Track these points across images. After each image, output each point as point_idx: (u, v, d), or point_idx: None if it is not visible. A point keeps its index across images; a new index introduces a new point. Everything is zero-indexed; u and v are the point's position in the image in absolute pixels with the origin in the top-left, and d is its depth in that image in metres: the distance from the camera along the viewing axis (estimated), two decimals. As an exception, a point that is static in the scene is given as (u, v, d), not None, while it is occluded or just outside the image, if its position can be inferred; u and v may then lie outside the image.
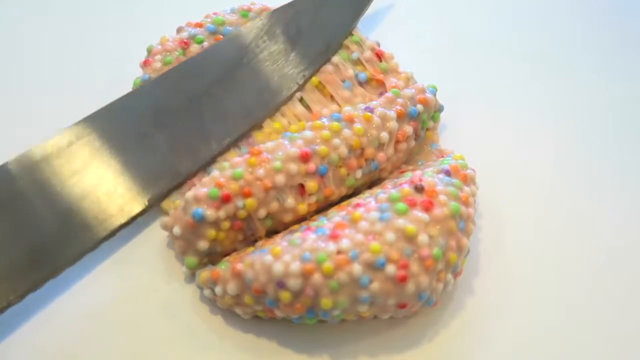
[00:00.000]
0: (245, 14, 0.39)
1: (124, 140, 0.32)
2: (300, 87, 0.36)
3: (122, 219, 0.31)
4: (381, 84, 0.37)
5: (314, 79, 0.37)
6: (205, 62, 0.35)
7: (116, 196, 0.31)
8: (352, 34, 0.39)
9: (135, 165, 0.32)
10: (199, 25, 0.38)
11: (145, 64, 0.37)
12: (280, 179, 0.31)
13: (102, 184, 0.31)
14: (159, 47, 0.37)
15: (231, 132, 0.34)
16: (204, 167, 0.34)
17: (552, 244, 0.34)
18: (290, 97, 0.36)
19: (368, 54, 0.38)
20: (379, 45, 0.39)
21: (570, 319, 0.32)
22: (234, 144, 0.34)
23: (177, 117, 0.33)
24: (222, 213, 0.30)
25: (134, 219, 0.32)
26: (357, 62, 0.38)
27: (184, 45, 0.37)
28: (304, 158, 0.31)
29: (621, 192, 0.36)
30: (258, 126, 0.35)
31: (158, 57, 0.37)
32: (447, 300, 0.32)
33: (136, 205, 0.32)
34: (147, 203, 0.32)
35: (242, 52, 0.35)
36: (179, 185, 0.33)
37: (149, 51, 0.37)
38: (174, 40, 0.37)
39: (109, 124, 0.33)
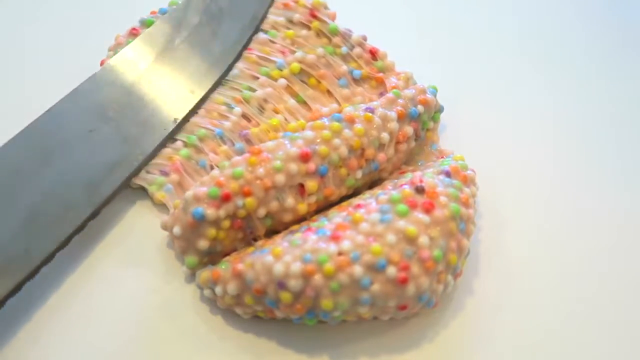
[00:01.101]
0: None
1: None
2: (239, 56, 0.37)
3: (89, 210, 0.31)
4: (381, 83, 0.37)
5: (311, 79, 0.37)
6: (137, 53, 0.36)
7: (77, 189, 0.31)
8: (328, 24, 0.39)
9: (88, 160, 0.32)
10: (154, 12, 0.39)
11: (102, 64, 0.37)
12: (280, 178, 0.31)
13: (59, 183, 0.31)
14: (113, 43, 0.38)
15: (178, 112, 0.34)
16: (161, 146, 0.34)
17: (552, 244, 0.34)
18: (230, 68, 0.37)
19: (358, 50, 0.38)
20: (365, 39, 0.38)
21: (570, 320, 0.32)
22: (186, 121, 0.35)
23: (120, 110, 0.34)
24: (222, 212, 0.30)
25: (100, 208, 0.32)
26: (348, 58, 0.38)
27: (134, 32, 0.37)
28: (304, 158, 0.31)
29: (621, 192, 0.36)
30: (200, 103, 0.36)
31: (111, 53, 0.37)
32: (447, 301, 0.32)
33: (101, 194, 0.32)
34: (110, 192, 0.32)
35: (171, 36, 0.36)
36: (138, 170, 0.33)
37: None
38: (125, 34, 0.38)
39: (55, 125, 0.33)
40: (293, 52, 0.38)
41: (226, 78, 0.37)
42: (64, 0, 0.43)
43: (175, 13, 0.37)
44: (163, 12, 0.39)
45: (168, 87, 0.35)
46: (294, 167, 0.31)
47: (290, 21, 0.39)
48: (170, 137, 0.35)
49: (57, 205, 0.31)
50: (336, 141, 0.32)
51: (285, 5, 0.39)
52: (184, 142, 0.35)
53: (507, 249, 0.34)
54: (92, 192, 0.31)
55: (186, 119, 0.35)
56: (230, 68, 0.37)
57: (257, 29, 0.38)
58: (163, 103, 0.34)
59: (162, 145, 0.34)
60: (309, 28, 0.39)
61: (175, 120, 0.34)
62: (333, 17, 0.39)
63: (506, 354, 0.31)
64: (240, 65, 0.37)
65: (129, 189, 0.34)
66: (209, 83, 0.35)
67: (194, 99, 0.35)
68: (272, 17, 0.39)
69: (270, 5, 0.39)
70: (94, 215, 0.31)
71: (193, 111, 0.35)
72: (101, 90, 0.34)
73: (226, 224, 0.31)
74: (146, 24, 0.38)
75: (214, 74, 0.36)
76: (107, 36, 0.38)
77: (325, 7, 0.39)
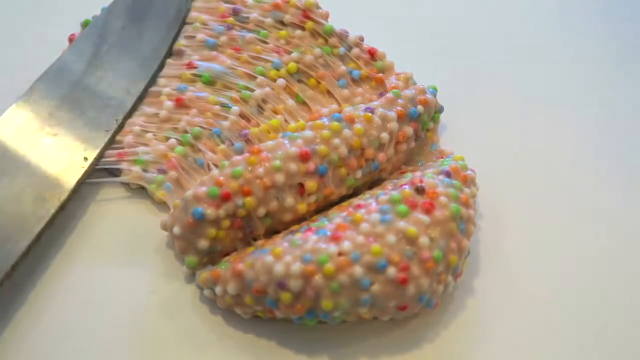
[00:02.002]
0: None
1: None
2: (169, 52, 0.37)
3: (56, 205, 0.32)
4: (381, 84, 0.37)
5: (311, 80, 0.37)
6: (69, 61, 0.36)
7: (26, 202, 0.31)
8: (322, 24, 0.39)
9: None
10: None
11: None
12: (279, 178, 0.31)
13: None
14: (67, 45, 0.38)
15: (118, 114, 0.35)
16: (109, 144, 0.34)
17: (552, 244, 0.34)
18: (162, 65, 0.37)
19: (356, 50, 0.38)
20: (362, 40, 0.38)
21: (570, 320, 0.32)
22: (125, 123, 0.35)
23: (58, 117, 0.34)
24: (222, 211, 0.30)
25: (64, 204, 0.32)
26: (346, 59, 0.38)
27: (72, 38, 0.38)
28: (304, 157, 0.31)
29: (621, 192, 0.36)
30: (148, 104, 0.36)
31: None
32: (447, 301, 0.32)
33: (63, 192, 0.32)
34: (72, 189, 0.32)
35: (97, 44, 0.37)
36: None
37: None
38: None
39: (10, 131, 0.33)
40: (289, 52, 0.38)
41: (216, 77, 0.37)
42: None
43: (99, 21, 0.38)
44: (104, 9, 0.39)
45: (103, 90, 0.35)
46: (293, 166, 0.31)
47: (281, 21, 0.39)
48: (114, 138, 0.35)
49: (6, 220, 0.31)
50: (336, 141, 0.32)
51: (275, 6, 0.39)
52: (177, 140, 0.35)
53: (507, 249, 0.34)
54: (43, 204, 0.31)
55: (126, 118, 0.35)
56: (162, 64, 0.37)
57: (182, 23, 0.38)
58: (102, 106, 0.35)
59: (110, 143, 0.34)
60: (302, 28, 0.39)
61: (116, 120, 0.35)
62: (326, 17, 0.39)
63: (506, 354, 0.31)
64: (228, 62, 0.37)
65: (129, 189, 0.35)
66: (142, 82, 0.36)
67: (131, 98, 0.35)
68: (257, 17, 0.39)
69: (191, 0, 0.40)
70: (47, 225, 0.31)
71: (134, 108, 0.36)
72: (35, 105, 0.34)
73: (226, 223, 0.31)
74: (84, 25, 0.39)
75: (146, 73, 0.36)
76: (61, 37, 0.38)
77: (317, 7, 0.39)
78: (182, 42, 0.38)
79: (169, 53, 0.38)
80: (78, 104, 0.35)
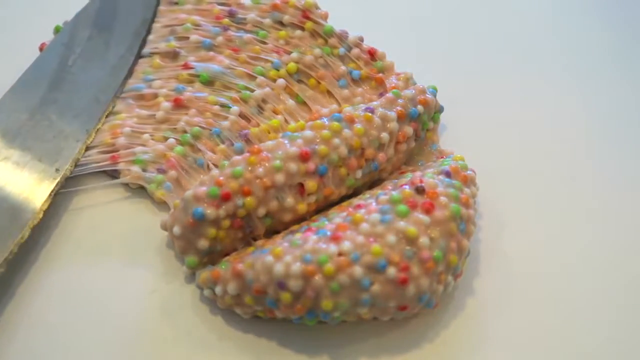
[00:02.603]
0: None
1: None
2: (137, 59, 0.38)
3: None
4: (381, 84, 0.37)
5: (311, 80, 0.37)
6: (36, 73, 0.36)
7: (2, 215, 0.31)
8: (322, 25, 0.39)
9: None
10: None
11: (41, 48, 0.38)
12: (279, 178, 0.31)
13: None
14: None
15: (88, 123, 0.35)
16: (78, 156, 0.34)
17: (552, 244, 0.34)
18: (130, 72, 0.37)
19: (356, 51, 0.38)
20: (362, 40, 0.38)
21: (570, 319, 0.32)
22: (95, 131, 0.35)
23: (28, 131, 0.34)
24: (222, 211, 0.30)
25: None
26: (346, 59, 0.38)
27: (43, 47, 0.38)
28: (304, 157, 0.31)
29: (621, 192, 0.36)
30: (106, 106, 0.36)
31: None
32: (447, 301, 0.32)
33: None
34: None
35: (65, 56, 0.37)
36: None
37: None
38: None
39: None
40: (288, 52, 0.38)
41: (214, 77, 0.37)
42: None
43: (66, 32, 0.38)
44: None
45: (72, 101, 0.35)
46: (293, 166, 0.31)
47: (280, 22, 0.39)
48: (87, 147, 0.35)
49: None
50: (336, 141, 0.32)
51: (274, 6, 0.39)
52: (177, 140, 0.35)
53: (507, 249, 0.34)
54: (17, 217, 0.31)
55: (97, 127, 0.35)
56: (130, 72, 0.37)
57: (148, 32, 0.39)
58: (71, 116, 0.35)
59: (80, 155, 0.34)
60: (302, 29, 0.39)
61: (87, 130, 0.35)
62: (325, 17, 0.39)
63: (506, 354, 0.31)
64: (226, 62, 0.37)
65: (129, 189, 0.35)
66: (112, 89, 0.36)
67: (101, 106, 0.35)
68: (255, 18, 0.39)
69: (157, 5, 0.40)
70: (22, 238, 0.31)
71: (105, 117, 0.36)
72: (4, 119, 0.34)
73: (226, 223, 0.31)
74: (55, 31, 0.39)
75: (116, 81, 0.36)
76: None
77: (317, 7, 0.39)
78: (173, 43, 0.38)
79: (137, 60, 0.38)
80: (47, 115, 0.35)
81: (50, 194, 0.32)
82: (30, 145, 0.33)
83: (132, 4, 0.39)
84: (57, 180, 0.33)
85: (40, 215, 0.32)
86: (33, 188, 0.32)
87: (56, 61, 0.37)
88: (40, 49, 0.38)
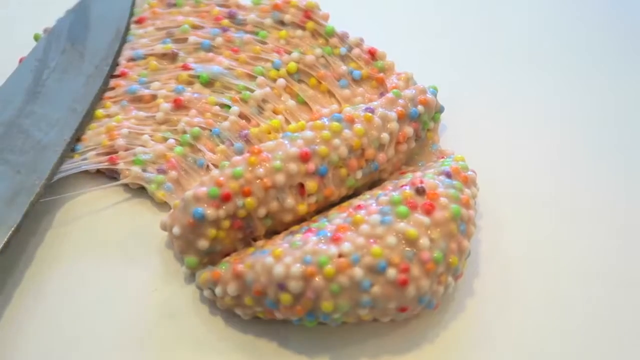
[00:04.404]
0: None
1: None
2: (112, 68, 0.38)
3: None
4: (381, 83, 0.37)
5: (311, 80, 0.37)
6: (11, 89, 0.36)
7: None
8: (324, 25, 0.39)
9: None
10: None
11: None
12: (279, 178, 0.31)
13: None
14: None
15: (65, 133, 0.35)
16: (58, 166, 0.34)
17: (552, 244, 0.34)
18: (107, 82, 0.37)
19: (357, 51, 0.38)
20: (363, 41, 0.38)
21: (570, 319, 0.32)
22: (74, 141, 0.35)
23: (5, 144, 0.34)
24: (222, 212, 0.30)
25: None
26: (347, 59, 0.38)
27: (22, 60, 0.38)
28: (304, 158, 0.31)
29: (621, 192, 0.36)
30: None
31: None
32: (447, 302, 0.32)
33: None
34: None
35: (39, 70, 0.37)
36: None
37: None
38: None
39: None
40: (289, 52, 0.38)
41: (214, 78, 0.37)
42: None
43: (39, 48, 0.38)
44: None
45: (48, 112, 0.35)
46: (293, 167, 0.31)
47: (280, 22, 0.39)
48: (67, 156, 0.34)
49: None
50: (336, 141, 0.32)
51: (275, 6, 0.39)
52: (176, 140, 0.35)
53: (507, 249, 0.34)
54: None
55: (78, 135, 0.35)
56: (107, 80, 0.37)
57: (123, 41, 0.39)
58: (48, 127, 0.35)
59: (59, 164, 0.34)
60: (303, 29, 0.39)
61: (65, 140, 0.34)
62: (326, 18, 0.39)
63: (506, 354, 0.31)
64: (226, 63, 0.37)
65: (129, 189, 0.35)
66: (88, 99, 0.36)
67: (78, 116, 0.35)
68: (255, 18, 0.39)
69: (130, 15, 0.40)
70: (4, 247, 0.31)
71: (80, 128, 0.35)
72: None
73: (226, 224, 0.31)
74: (35, 38, 0.39)
75: (91, 91, 0.36)
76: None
77: (318, 8, 0.39)
78: (170, 45, 0.38)
79: (113, 69, 0.38)
80: (24, 128, 0.34)
81: (30, 204, 0.32)
82: (8, 158, 0.33)
83: (105, 16, 0.40)
84: (36, 192, 0.32)
85: (19, 225, 0.31)
86: (13, 199, 0.32)
87: (31, 76, 0.37)
88: (20, 62, 0.38)
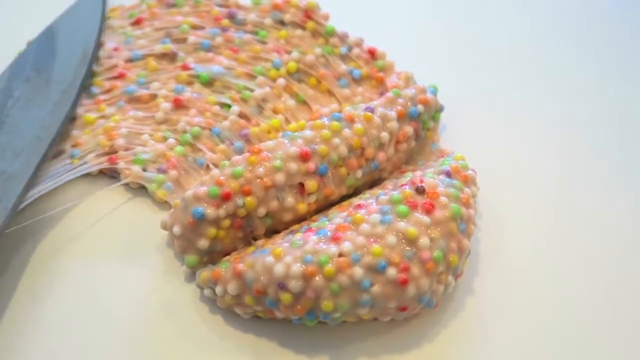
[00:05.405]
0: None
1: None
2: (80, 92, 0.37)
3: None
4: (381, 83, 0.37)
5: (311, 80, 0.37)
6: None
7: None
8: (324, 25, 0.39)
9: None
10: None
11: None
12: (279, 177, 0.31)
13: None
14: None
15: (31, 161, 0.34)
16: (24, 193, 0.33)
17: (552, 244, 0.34)
18: (75, 104, 0.36)
19: (357, 50, 0.38)
20: (362, 41, 0.39)
21: (570, 320, 0.32)
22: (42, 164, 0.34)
23: None
24: (222, 211, 0.30)
25: None
26: (347, 58, 0.38)
27: None
28: (304, 157, 0.31)
29: (621, 192, 0.36)
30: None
31: None
32: (447, 301, 0.32)
33: None
34: None
35: (3, 100, 0.36)
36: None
37: None
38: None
39: None
40: (289, 52, 0.38)
41: (214, 77, 0.37)
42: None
43: (3, 79, 0.37)
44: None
45: (13, 141, 0.35)
46: (293, 166, 0.31)
47: (280, 21, 0.39)
48: (32, 184, 0.34)
49: None
50: (336, 140, 0.32)
51: (275, 6, 0.39)
52: (176, 139, 0.35)
53: (507, 249, 0.34)
54: None
55: (42, 162, 0.34)
56: (75, 104, 0.37)
57: (91, 63, 0.38)
58: (14, 157, 0.34)
59: (27, 189, 0.33)
60: (303, 28, 0.39)
61: (30, 169, 0.34)
62: (326, 18, 0.39)
63: (506, 354, 0.31)
64: (226, 63, 0.37)
65: (129, 189, 0.35)
66: (55, 126, 0.35)
67: (43, 144, 0.35)
68: (255, 18, 0.39)
69: (99, 38, 0.39)
70: None
71: (47, 155, 0.35)
72: None
73: (226, 223, 0.31)
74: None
75: (58, 117, 0.36)
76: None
77: (319, 8, 0.39)
78: (169, 45, 0.38)
79: (81, 92, 0.37)
80: None
81: None
82: None
83: (71, 40, 0.39)
84: (2, 220, 0.31)
85: None
86: None
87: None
88: None
